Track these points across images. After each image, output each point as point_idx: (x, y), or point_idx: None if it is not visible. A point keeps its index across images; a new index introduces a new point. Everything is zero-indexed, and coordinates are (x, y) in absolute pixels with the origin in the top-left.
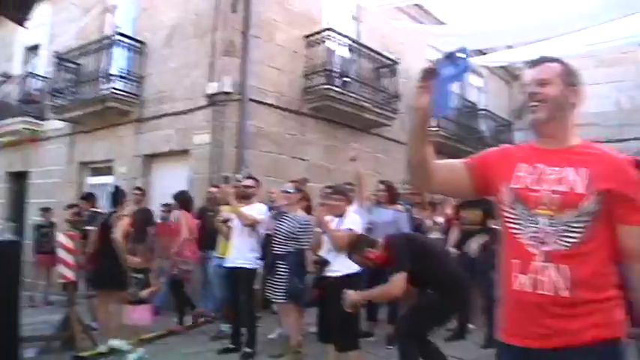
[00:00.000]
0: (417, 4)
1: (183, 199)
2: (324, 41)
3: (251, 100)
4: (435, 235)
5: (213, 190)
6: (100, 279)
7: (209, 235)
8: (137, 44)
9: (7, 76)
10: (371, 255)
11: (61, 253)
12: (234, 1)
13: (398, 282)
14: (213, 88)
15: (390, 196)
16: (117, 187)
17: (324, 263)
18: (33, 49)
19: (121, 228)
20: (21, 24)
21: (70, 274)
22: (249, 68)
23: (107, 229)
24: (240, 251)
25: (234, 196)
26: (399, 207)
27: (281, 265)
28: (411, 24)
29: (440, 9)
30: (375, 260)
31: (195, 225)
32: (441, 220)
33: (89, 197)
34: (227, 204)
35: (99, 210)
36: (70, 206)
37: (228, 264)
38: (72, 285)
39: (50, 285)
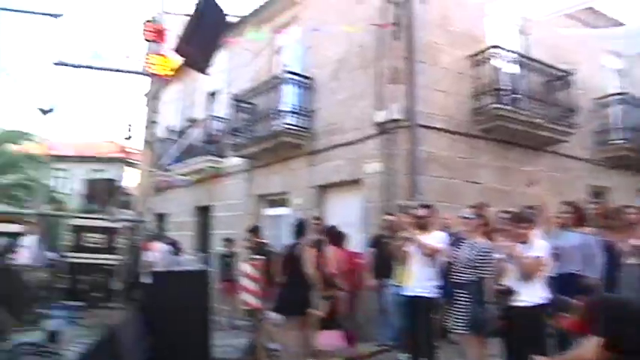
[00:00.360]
0: (589, 7)
1: (331, 234)
2: (489, 59)
3: (420, 125)
4: (631, 260)
5: (389, 217)
6: (287, 306)
7: (385, 263)
8: (305, 80)
9: (193, 121)
10: (563, 322)
11: (245, 281)
12: (396, 29)
13: (591, 347)
14: (381, 116)
15: (578, 217)
16: (301, 220)
17: (509, 292)
18: (213, 94)
19: (310, 258)
20: (204, 72)
21: (253, 301)
22: (416, 93)
23: (293, 258)
24: (419, 279)
25: (412, 226)
26: (588, 229)
27: (461, 294)
28: (584, 30)
29: (615, 9)
30: (567, 328)
31: (344, 259)
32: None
33: (255, 230)
34: (404, 231)
35: (265, 241)
36: (251, 230)
37: (407, 292)
38: (256, 311)
39: (234, 310)
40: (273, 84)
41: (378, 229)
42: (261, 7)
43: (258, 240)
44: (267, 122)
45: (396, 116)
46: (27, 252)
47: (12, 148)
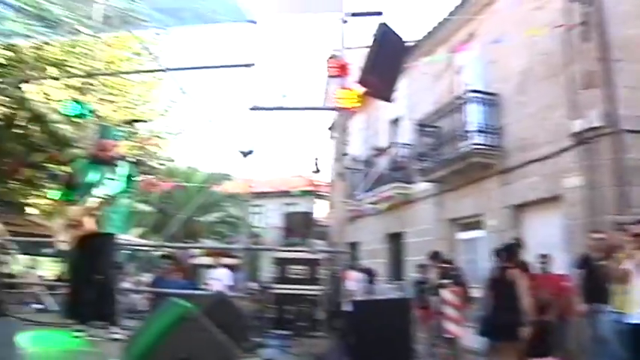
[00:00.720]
0: None
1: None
2: None
3: (625, 130)
4: None
5: (598, 235)
6: (496, 330)
7: (596, 287)
8: (490, 97)
9: (378, 149)
10: None
11: (446, 309)
12: (584, 29)
13: None
14: (578, 125)
15: None
16: (509, 243)
17: None
18: (395, 121)
19: (524, 283)
20: (389, 100)
21: (455, 330)
22: (616, 96)
23: (502, 282)
24: None
25: (631, 244)
26: None
27: None
28: None
29: None
30: None
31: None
32: None
33: (436, 255)
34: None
35: (449, 266)
36: (444, 262)
37: (631, 320)
38: (456, 339)
39: (431, 338)
40: (456, 105)
41: (585, 248)
42: (434, 28)
43: (441, 265)
44: (453, 144)
45: (595, 123)
46: (218, 284)
47: (215, 188)
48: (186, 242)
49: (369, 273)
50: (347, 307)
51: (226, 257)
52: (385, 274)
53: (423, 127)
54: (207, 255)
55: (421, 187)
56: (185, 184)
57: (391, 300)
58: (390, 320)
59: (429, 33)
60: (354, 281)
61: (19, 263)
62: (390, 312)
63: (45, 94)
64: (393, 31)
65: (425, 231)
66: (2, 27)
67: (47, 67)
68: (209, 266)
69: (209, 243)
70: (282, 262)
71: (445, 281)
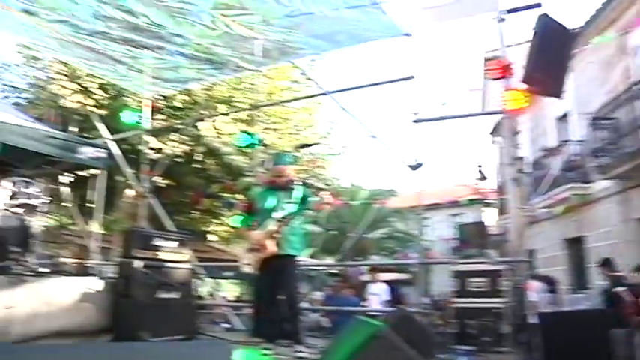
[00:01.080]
0: None
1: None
2: None
3: None
4: None
5: None
6: None
7: None
8: None
9: (547, 150)
10: None
11: None
12: None
13: None
14: None
15: None
16: None
17: None
18: (563, 117)
19: None
20: (559, 97)
21: None
22: None
23: None
24: None
25: None
26: None
27: None
28: None
29: None
30: None
31: None
32: None
33: (606, 262)
34: None
35: (619, 273)
36: (637, 268)
37: None
38: None
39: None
40: (634, 91)
41: None
42: (598, 10)
43: (612, 273)
44: (635, 135)
45: None
46: (376, 299)
47: (380, 204)
48: (355, 259)
49: (550, 282)
50: (533, 320)
51: (386, 272)
52: (566, 283)
53: (597, 120)
54: (370, 271)
55: (601, 185)
56: (351, 202)
57: (583, 311)
58: (583, 333)
59: (592, 17)
60: (535, 291)
61: (206, 286)
62: (582, 324)
63: (216, 129)
64: (555, 21)
65: (609, 233)
66: (179, 74)
67: (217, 104)
68: (370, 281)
69: (378, 259)
70: (461, 275)
71: (620, 289)
